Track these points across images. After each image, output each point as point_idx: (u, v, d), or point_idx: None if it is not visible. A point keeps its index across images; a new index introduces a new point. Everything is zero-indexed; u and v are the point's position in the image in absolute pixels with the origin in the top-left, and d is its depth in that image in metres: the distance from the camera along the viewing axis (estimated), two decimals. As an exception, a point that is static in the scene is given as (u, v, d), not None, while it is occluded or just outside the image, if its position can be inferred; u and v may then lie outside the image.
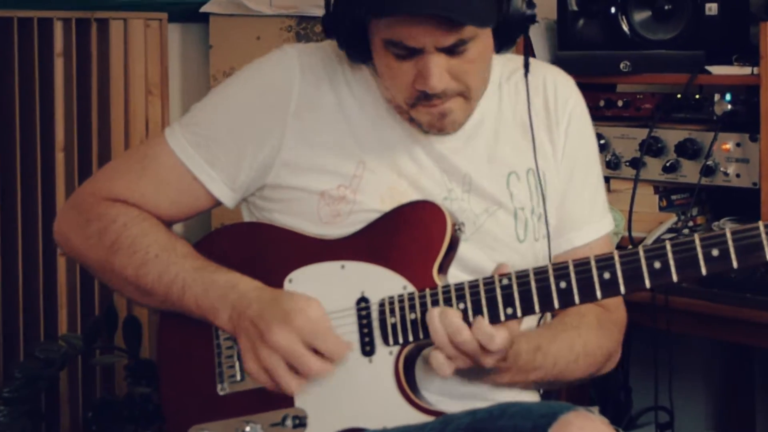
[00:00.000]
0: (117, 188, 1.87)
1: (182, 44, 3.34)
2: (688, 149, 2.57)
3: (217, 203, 1.89)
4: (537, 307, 1.69)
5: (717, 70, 2.55)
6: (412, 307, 1.74)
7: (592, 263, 1.67)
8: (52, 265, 3.07)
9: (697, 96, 2.61)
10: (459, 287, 1.72)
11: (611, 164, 2.69)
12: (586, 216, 1.93)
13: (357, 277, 1.77)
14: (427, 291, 1.73)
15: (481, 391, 1.81)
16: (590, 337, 1.84)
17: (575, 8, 2.75)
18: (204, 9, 3.26)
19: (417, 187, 1.83)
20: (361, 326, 1.76)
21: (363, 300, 1.77)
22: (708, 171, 2.54)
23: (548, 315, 1.89)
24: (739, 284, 2.27)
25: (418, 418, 1.72)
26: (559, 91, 1.92)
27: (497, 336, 1.67)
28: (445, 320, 1.68)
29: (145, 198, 1.86)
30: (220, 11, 3.24)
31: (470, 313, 1.70)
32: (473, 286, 1.71)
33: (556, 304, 1.69)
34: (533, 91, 1.89)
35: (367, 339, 1.75)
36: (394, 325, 1.74)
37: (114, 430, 2.79)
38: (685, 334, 2.59)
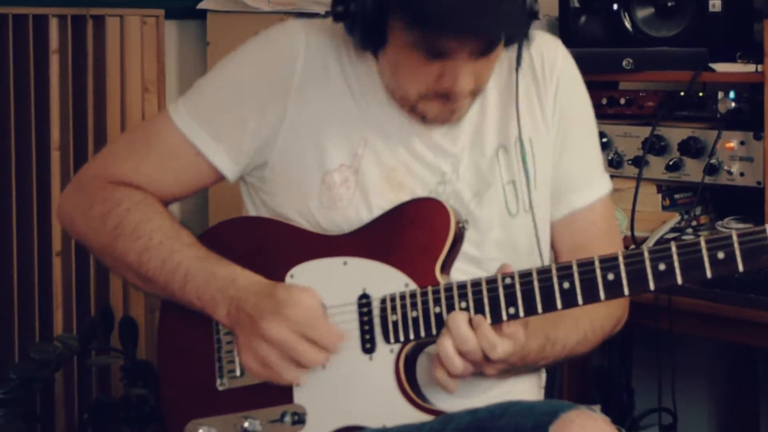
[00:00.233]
0: (121, 170, 1.86)
1: (179, 41, 3.34)
2: (691, 148, 2.56)
3: (219, 178, 1.88)
4: (540, 308, 1.68)
5: (721, 67, 2.54)
6: (414, 305, 1.73)
7: (596, 264, 1.66)
8: (47, 265, 3.07)
9: (701, 94, 2.60)
10: (461, 286, 1.71)
11: (613, 163, 2.68)
12: (586, 177, 1.93)
13: (359, 274, 1.76)
14: (429, 289, 1.73)
15: (482, 390, 1.81)
16: (597, 311, 1.82)
17: (577, 5, 2.74)
18: (201, 6, 3.26)
19: (411, 170, 1.82)
20: (362, 323, 1.76)
21: (364, 297, 1.76)
22: (711, 170, 2.53)
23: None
24: (743, 284, 2.25)
25: (419, 417, 1.72)
26: (546, 56, 1.90)
27: (499, 346, 1.66)
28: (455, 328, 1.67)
29: (149, 178, 1.86)
30: (218, 8, 3.23)
31: (472, 312, 1.69)
32: (475, 284, 1.70)
33: (559, 305, 1.68)
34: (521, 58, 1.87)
35: (367, 336, 1.75)
36: (395, 323, 1.74)
37: (110, 431, 2.79)
38: (688, 335, 2.57)
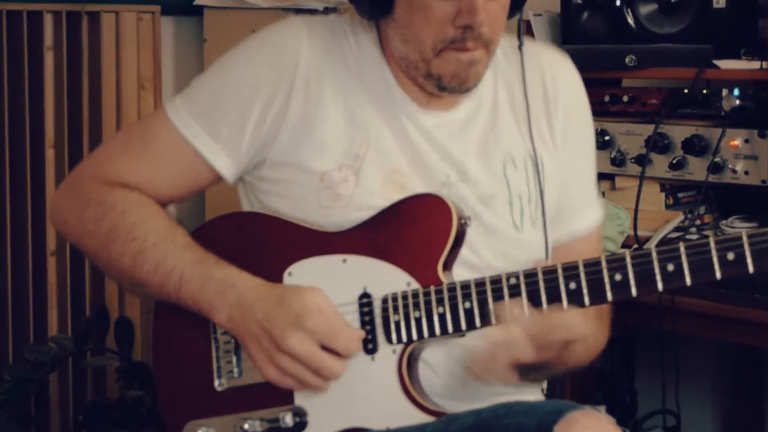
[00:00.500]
0: (116, 171, 1.84)
1: (176, 38, 3.33)
2: (695, 146, 2.55)
3: (217, 180, 1.86)
4: (545, 308, 1.66)
5: (725, 64, 2.54)
6: (417, 305, 1.71)
7: (603, 264, 1.65)
8: (41, 265, 3.06)
9: (705, 91, 2.59)
10: (465, 285, 1.70)
11: (616, 161, 2.67)
12: (587, 202, 1.93)
13: (359, 272, 1.74)
14: (432, 288, 1.71)
15: (485, 390, 1.78)
16: (596, 329, 1.82)
17: (579, 1, 2.74)
18: (198, 2, 3.25)
19: (416, 172, 1.81)
20: (363, 323, 1.74)
21: (365, 296, 1.74)
22: (716, 168, 2.52)
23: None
24: (748, 284, 2.24)
25: (421, 418, 1.71)
26: (557, 74, 1.90)
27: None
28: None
29: (145, 180, 1.84)
30: (215, 4, 3.23)
31: (476, 313, 1.68)
32: (479, 284, 1.69)
33: (566, 306, 1.67)
34: (529, 74, 1.88)
35: (369, 337, 1.73)
36: (397, 323, 1.72)
37: (105, 433, 2.80)
38: (692, 336, 2.59)
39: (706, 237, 1.66)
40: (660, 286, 1.63)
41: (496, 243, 1.82)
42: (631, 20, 2.66)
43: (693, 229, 2.58)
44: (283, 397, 1.75)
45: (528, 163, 1.85)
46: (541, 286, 1.66)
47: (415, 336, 1.71)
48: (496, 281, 1.68)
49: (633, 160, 2.65)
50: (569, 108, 1.89)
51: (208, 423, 1.80)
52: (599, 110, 2.70)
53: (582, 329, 1.67)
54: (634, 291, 1.64)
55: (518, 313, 1.66)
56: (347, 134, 1.80)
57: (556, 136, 1.88)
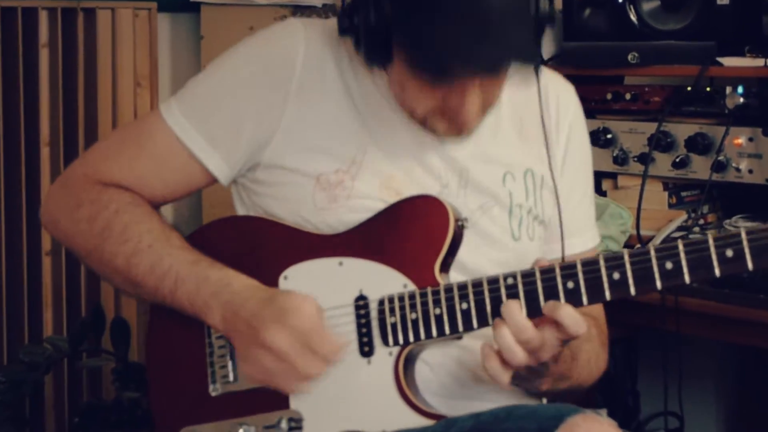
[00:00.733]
0: (110, 171, 1.84)
1: (172, 34, 3.34)
2: (698, 144, 2.54)
3: (212, 182, 1.86)
4: (543, 308, 1.65)
5: (728, 61, 2.53)
6: (413, 307, 1.70)
7: (601, 263, 1.64)
8: (36, 265, 3.07)
9: (708, 89, 2.59)
10: (462, 286, 1.69)
11: (618, 160, 2.67)
12: (586, 224, 1.95)
13: (355, 275, 1.74)
14: (429, 290, 1.70)
15: (483, 393, 1.79)
16: (599, 353, 1.85)
17: (581, -2, 2.76)
18: (195, -2, 3.28)
19: (413, 178, 1.80)
20: (359, 326, 1.73)
21: (361, 298, 1.73)
22: (719, 167, 2.51)
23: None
24: (752, 285, 2.25)
25: (419, 421, 1.70)
26: (561, 99, 1.92)
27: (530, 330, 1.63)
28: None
29: (139, 180, 1.83)
30: (212, 0, 3.23)
31: (473, 314, 1.67)
32: (477, 285, 1.68)
33: (564, 306, 1.67)
34: (535, 96, 1.87)
35: (365, 339, 1.72)
36: (394, 325, 1.71)
37: (101, 435, 2.81)
38: (695, 337, 2.57)
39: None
40: (659, 284, 1.62)
41: (493, 251, 1.82)
42: (633, 17, 2.65)
43: (696, 229, 2.57)
44: (278, 401, 1.74)
45: (527, 177, 1.85)
46: (539, 285, 1.65)
47: (411, 338, 1.70)
48: (493, 282, 1.67)
49: (635, 159, 2.64)
50: (572, 133, 1.91)
51: (203, 429, 1.80)
52: (601, 108, 2.71)
53: (583, 326, 1.64)
54: (632, 290, 1.62)
55: (508, 315, 1.63)
56: (344, 139, 1.79)
57: (558, 157, 1.89)
